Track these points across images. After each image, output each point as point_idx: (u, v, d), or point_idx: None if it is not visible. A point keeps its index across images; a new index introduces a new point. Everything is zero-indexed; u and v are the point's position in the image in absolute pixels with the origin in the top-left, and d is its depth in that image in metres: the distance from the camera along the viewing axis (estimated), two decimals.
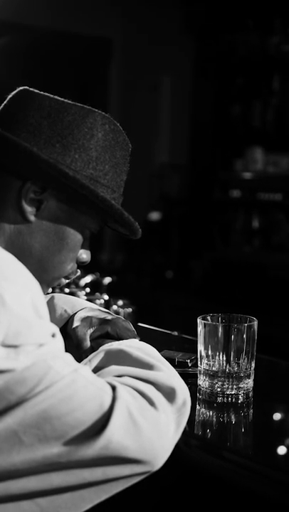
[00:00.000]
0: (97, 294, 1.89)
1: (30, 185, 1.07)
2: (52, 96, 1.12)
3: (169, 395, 0.96)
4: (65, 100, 1.12)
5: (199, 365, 1.27)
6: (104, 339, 1.17)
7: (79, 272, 1.21)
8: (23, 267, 0.95)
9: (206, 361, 1.25)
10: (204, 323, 1.25)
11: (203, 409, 1.20)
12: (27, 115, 1.09)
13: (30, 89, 1.13)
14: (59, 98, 1.12)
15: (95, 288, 1.92)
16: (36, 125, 1.08)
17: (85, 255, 1.18)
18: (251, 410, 1.21)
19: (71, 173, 1.05)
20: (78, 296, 1.69)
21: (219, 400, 1.22)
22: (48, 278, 1.13)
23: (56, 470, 0.87)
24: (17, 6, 4.37)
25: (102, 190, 1.10)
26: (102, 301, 1.82)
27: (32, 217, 1.08)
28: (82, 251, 1.17)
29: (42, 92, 1.13)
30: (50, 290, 1.20)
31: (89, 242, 1.18)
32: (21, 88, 1.14)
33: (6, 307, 0.85)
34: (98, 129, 1.11)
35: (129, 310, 1.84)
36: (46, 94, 1.12)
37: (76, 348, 1.18)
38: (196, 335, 1.28)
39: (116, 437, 0.87)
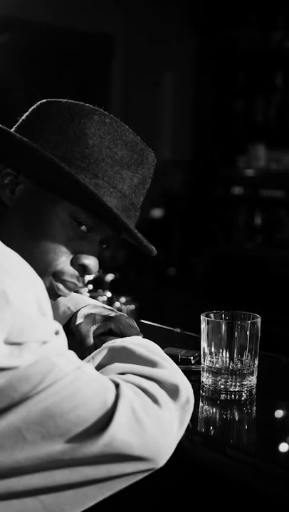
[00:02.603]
0: (100, 290, 1.89)
1: (2, 167, 1.07)
2: (57, 100, 1.11)
3: (173, 392, 0.96)
4: (62, 100, 1.11)
5: (202, 362, 1.27)
6: (107, 336, 1.17)
7: (84, 284, 1.13)
8: (25, 263, 0.94)
9: (209, 358, 1.25)
10: (207, 320, 1.25)
11: (206, 407, 1.20)
12: (24, 119, 1.12)
13: (50, 100, 1.13)
14: (60, 99, 1.11)
15: (98, 285, 1.92)
16: (23, 121, 1.11)
17: (86, 260, 1.10)
18: (254, 407, 1.21)
19: (27, 140, 1.00)
20: (81, 293, 1.68)
21: (222, 397, 1.22)
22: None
23: (59, 467, 0.87)
24: (18, 2, 4.36)
25: (76, 171, 1.04)
26: (104, 298, 1.81)
27: (8, 201, 1.07)
28: (84, 255, 1.10)
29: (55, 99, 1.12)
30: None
31: (97, 251, 1.12)
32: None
33: (10, 304, 0.85)
34: (83, 117, 1.07)
35: (132, 307, 1.84)
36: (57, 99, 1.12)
37: (79, 345, 1.17)
38: (197, 331, 1.28)
39: (119, 435, 0.87)
